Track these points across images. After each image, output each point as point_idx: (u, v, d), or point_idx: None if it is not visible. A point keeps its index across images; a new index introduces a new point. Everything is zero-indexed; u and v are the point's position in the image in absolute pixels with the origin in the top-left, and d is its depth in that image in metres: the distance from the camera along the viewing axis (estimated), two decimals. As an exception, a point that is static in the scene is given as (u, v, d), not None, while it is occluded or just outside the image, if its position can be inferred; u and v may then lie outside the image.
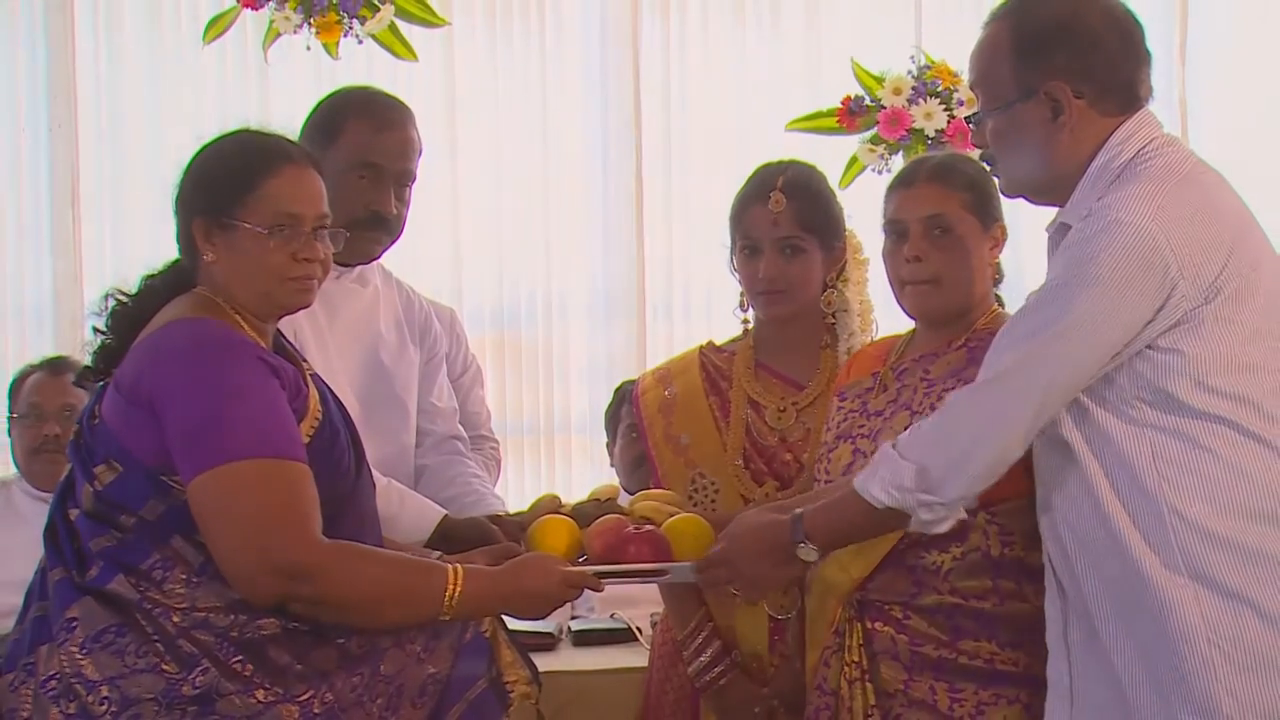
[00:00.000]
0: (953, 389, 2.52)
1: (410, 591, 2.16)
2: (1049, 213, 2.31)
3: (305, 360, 2.38)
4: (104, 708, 2.05)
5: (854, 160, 4.82)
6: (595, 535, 2.46)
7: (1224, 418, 2.12)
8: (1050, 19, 2.22)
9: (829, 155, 4.49)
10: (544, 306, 5.40)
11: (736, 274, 2.83)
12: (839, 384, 2.73)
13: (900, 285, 2.62)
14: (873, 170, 4.78)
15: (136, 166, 5.19)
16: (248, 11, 4.58)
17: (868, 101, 4.80)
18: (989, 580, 2.45)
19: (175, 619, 2.09)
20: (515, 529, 2.60)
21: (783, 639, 2.74)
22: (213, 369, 2.12)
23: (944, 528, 2.22)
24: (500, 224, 5.38)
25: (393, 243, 2.95)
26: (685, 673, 2.80)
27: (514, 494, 4.79)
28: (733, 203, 2.83)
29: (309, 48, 4.58)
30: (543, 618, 2.31)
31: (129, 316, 2.27)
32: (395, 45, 4.72)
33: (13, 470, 3.69)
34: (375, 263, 2.99)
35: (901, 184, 2.64)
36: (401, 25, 4.69)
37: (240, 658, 2.09)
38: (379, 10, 4.55)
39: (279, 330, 2.34)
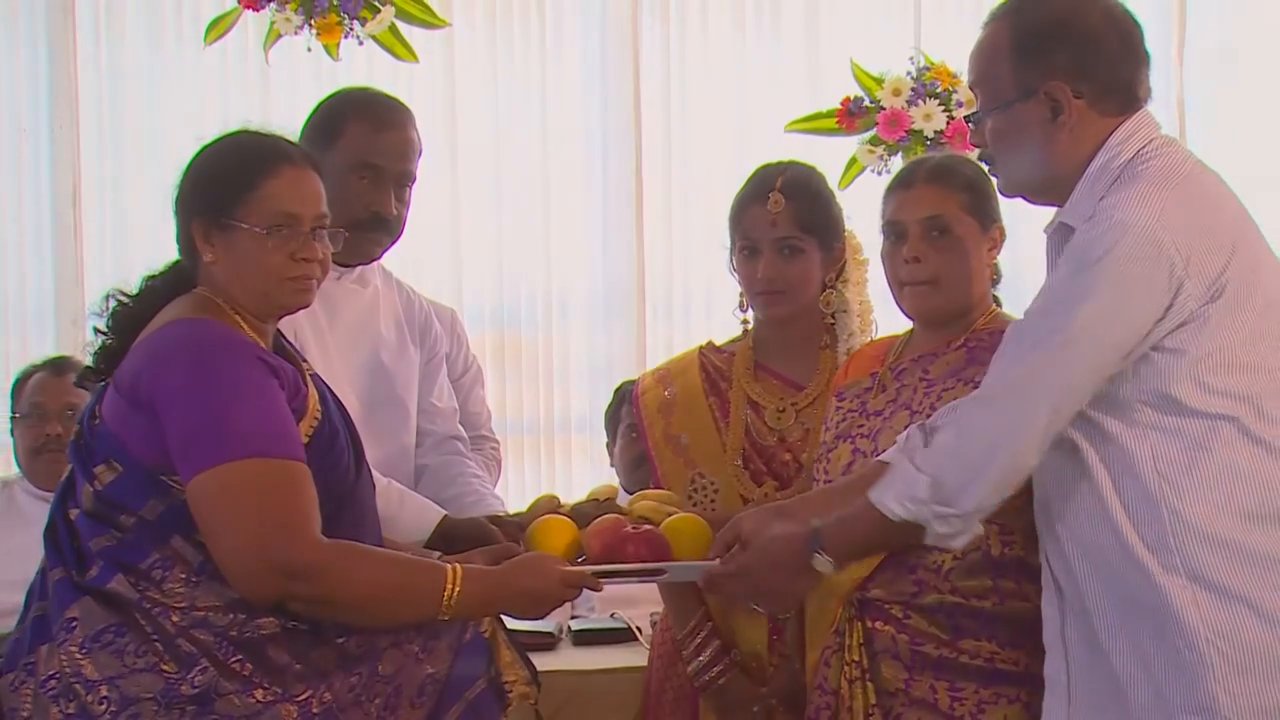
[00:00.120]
0: (952, 389, 2.54)
1: (409, 591, 2.16)
2: (1048, 213, 2.31)
3: (305, 360, 2.39)
4: (103, 707, 2.06)
5: (853, 161, 4.82)
6: (594, 535, 2.46)
7: (1224, 418, 2.12)
8: (1050, 19, 2.22)
9: (828, 156, 4.48)
10: (544, 306, 5.40)
11: (736, 274, 2.83)
12: (837, 384, 2.73)
13: (899, 286, 2.62)
14: (872, 171, 4.77)
15: (137, 167, 5.19)
16: (249, 13, 4.58)
17: (867, 102, 4.80)
18: (989, 580, 2.46)
19: (174, 618, 2.09)
20: (514, 529, 2.60)
21: (782, 639, 2.74)
22: (212, 369, 2.12)
23: (960, 542, 2.21)
24: (500, 224, 5.38)
25: (393, 243, 2.95)
26: (684, 672, 2.80)
27: (514, 494, 4.78)
28: (732, 203, 2.83)
29: (310, 49, 4.58)
30: (541, 617, 2.31)
31: (130, 317, 2.28)
32: (396, 46, 4.72)
33: (15, 470, 3.70)
34: (376, 263, 3.00)
35: (900, 185, 2.64)
36: (402, 26, 4.69)
37: (239, 657, 2.10)
38: (379, 11, 4.55)
39: (279, 330, 2.34)
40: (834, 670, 2.55)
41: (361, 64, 4.83)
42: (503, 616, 2.34)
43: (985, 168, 2.43)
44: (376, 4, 4.55)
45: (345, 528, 2.19)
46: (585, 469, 5.14)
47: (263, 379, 2.15)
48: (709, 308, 5.15)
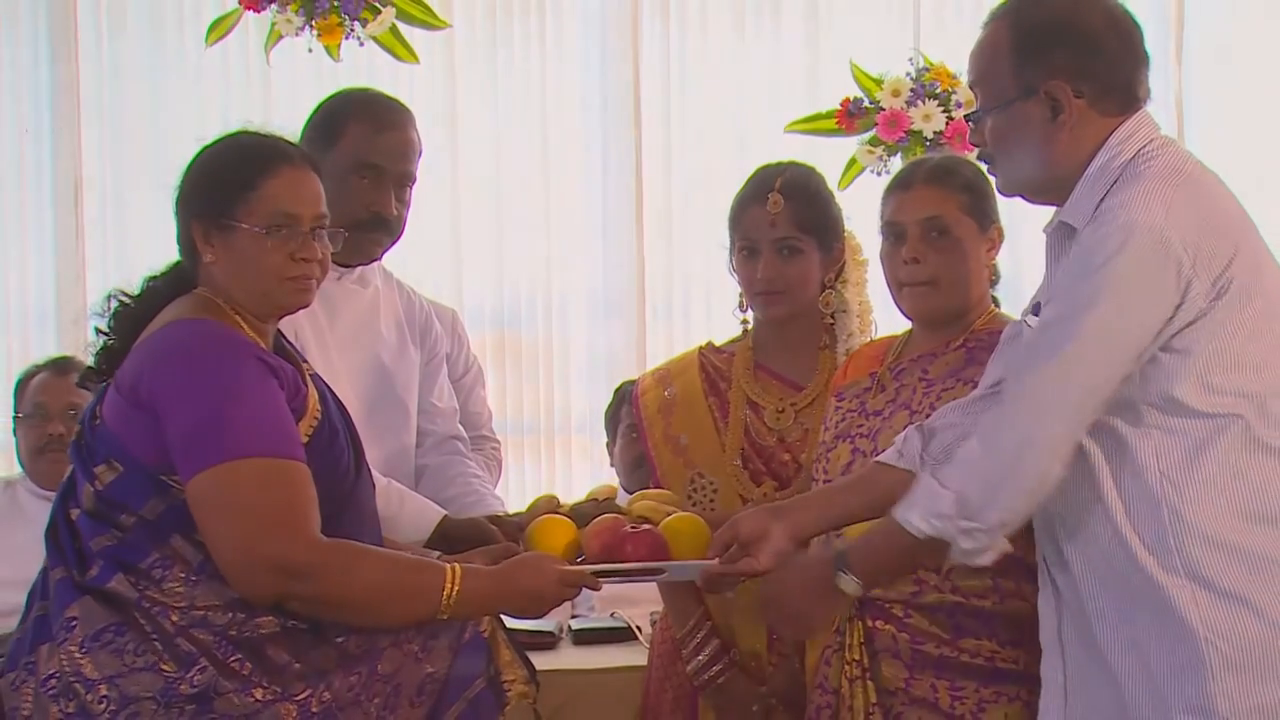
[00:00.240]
0: (952, 389, 2.54)
1: (408, 590, 2.16)
2: (1047, 214, 2.30)
3: (306, 360, 2.39)
4: (103, 706, 2.06)
5: (853, 162, 4.82)
6: (592, 535, 2.46)
7: (1226, 419, 2.11)
8: (1051, 18, 2.21)
9: (828, 157, 4.48)
10: (544, 306, 5.41)
11: (735, 275, 2.83)
12: (836, 384, 2.74)
13: (898, 287, 2.63)
14: (871, 172, 4.77)
15: (139, 167, 5.20)
16: (250, 14, 4.59)
17: (866, 103, 4.79)
18: (989, 579, 2.46)
19: (174, 618, 2.10)
20: (514, 529, 2.61)
21: (781, 638, 2.74)
22: (212, 369, 2.13)
23: (985, 559, 2.17)
24: (500, 224, 5.39)
25: (393, 243, 2.96)
26: (684, 671, 2.80)
27: (514, 494, 4.79)
28: (731, 203, 2.83)
29: (310, 50, 4.58)
30: (540, 617, 2.32)
31: (131, 317, 2.28)
32: (396, 47, 4.72)
33: (17, 470, 3.70)
34: (376, 263, 3.00)
35: (899, 186, 2.65)
36: (402, 27, 4.70)
37: (238, 656, 2.10)
38: (380, 13, 4.55)
39: (280, 331, 2.34)
40: (834, 669, 2.55)
41: (362, 65, 4.83)
42: (502, 616, 2.34)
43: (984, 168, 2.42)
44: (377, 5, 4.55)
45: (345, 528, 2.20)
46: (585, 469, 5.15)
47: (262, 379, 2.15)
48: (709, 308, 5.15)
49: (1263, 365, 2.14)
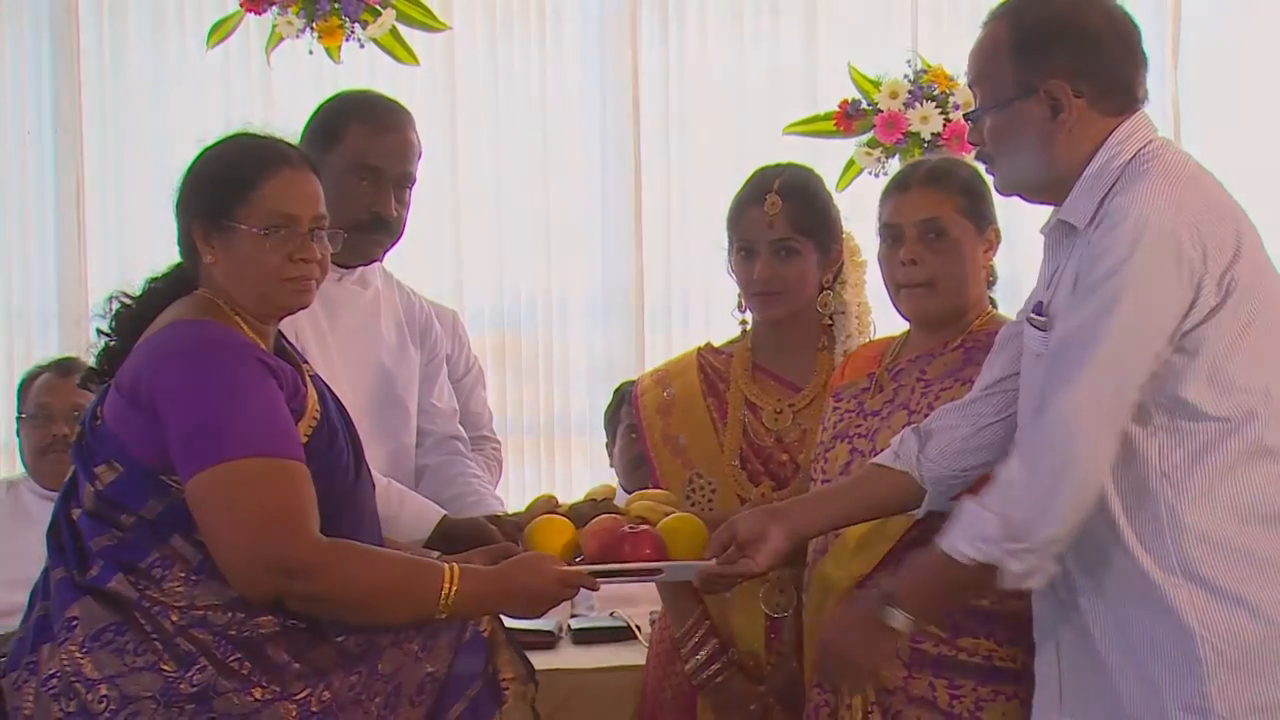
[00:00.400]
0: (950, 389, 2.55)
1: (407, 590, 2.16)
2: (1045, 215, 2.30)
3: (306, 361, 2.40)
4: (103, 705, 2.07)
5: (851, 163, 4.82)
6: (591, 535, 2.46)
7: (1228, 420, 2.11)
8: (1050, 18, 2.21)
9: (826, 158, 4.50)
10: (544, 307, 5.41)
11: (733, 275, 2.84)
12: (834, 385, 2.74)
13: (896, 288, 2.63)
14: (870, 173, 4.77)
15: (140, 169, 5.20)
16: (251, 16, 4.60)
17: (864, 105, 4.80)
18: (988, 578, 2.47)
19: (174, 617, 2.10)
20: (513, 529, 2.61)
21: (779, 637, 2.75)
22: (212, 370, 2.14)
23: (1037, 581, 2.14)
24: (500, 225, 5.39)
25: (393, 244, 2.96)
26: (683, 670, 2.80)
27: (514, 494, 4.79)
28: (730, 205, 2.83)
29: (311, 52, 4.59)
30: (539, 617, 2.32)
31: (132, 318, 2.29)
32: (396, 49, 4.73)
33: (21, 470, 3.71)
34: (376, 264, 3.01)
35: (896, 188, 2.65)
36: (403, 29, 4.71)
37: (238, 656, 2.10)
38: (380, 15, 4.56)
39: (280, 331, 2.35)
40: (833, 669, 2.56)
41: (363, 67, 4.83)
42: (502, 616, 2.35)
43: (982, 169, 2.42)
44: (377, 7, 4.56)
45: (345, 527, 2.20)
46: (584, 469, 5.14)
47: (262, 379, 2.16)
48: (708, 309, 5.15)
49: (1265, 366, 2.14)
